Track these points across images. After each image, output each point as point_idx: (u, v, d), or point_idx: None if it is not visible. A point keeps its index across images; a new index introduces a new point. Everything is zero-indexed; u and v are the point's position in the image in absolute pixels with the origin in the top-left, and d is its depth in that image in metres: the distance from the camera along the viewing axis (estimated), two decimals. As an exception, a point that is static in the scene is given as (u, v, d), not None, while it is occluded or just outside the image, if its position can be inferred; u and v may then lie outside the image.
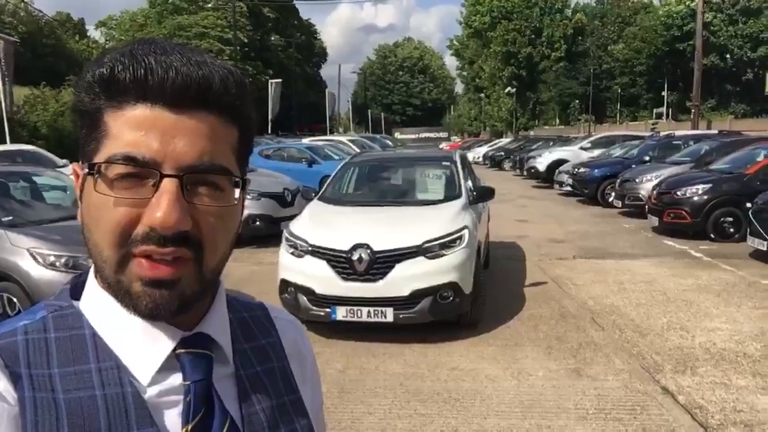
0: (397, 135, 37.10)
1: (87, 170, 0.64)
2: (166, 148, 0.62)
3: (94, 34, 61.39)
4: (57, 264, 5.25)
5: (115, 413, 0.62)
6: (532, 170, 22.83)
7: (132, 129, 0.62)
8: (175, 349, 0.67)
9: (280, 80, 35.26)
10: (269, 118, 31.90)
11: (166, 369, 0.67)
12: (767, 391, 4.42)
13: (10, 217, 5.77)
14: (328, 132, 39.37)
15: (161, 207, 0.61)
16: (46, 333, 0.66)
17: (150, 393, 0.65)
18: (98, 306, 0.68)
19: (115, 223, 0.62)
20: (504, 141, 42.85)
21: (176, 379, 0.67)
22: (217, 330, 0.71)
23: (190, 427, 0.65)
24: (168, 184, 0.61)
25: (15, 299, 5.27)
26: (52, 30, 49.52)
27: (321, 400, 0.88)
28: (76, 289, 0.71)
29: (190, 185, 0.63)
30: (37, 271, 5.21)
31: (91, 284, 0.69)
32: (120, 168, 0.62)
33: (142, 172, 0.62)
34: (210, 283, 0.68)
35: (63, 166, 12.47)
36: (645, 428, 3.90)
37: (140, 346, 0.66)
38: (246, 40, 48.37)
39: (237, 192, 0.67)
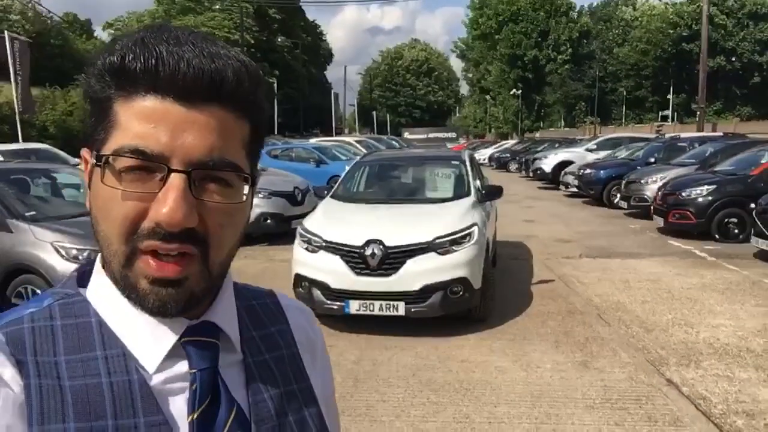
0: (407, 135, 37.31)
1: (95, 161, 0.64)
2: (174, 142, 0.61)
3: (102, 35, 61.77)
4: (80, 257, 5.41)
5: (121, 400, 0.62)
6: (538, 171, 22.97)
7: (141, 121, 0.61)
8: (181, 338, 0.67)
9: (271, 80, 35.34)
10: (276, 119, 32.08)
11: (172, 357, 0.67)
12: (769, 384, 4.56)
13: (33, 212, 5.94)
14: (334, 133, 39.57)
15: (168, 203, 0.60)
16: (53, 320, 0.66)
17: (156, 381, 0.65)
18: (105, 294, 0.67)
19: (123, 217, 0.61)
20: (509, 143, 42.98)
21: (182, 367, 0.67)
22: (224, 318, 0.71)
23: (196, 414, 0.65)
24: (175, 180, 0.61)
25: (39, 291, 5.44)
26: (59, 31, 49.86)
27: (332, 388, 0.88)
28: (83, 277, 0.71)
29: (198, 181, 0.62)
30: (60, 264, 5.38)
31: (98, 273, 0.69)
32: (128, 161, 0.61)
33: (150, 165, 0.61)
34: (217, 278, 0.68)
35: (76, 165, 12.69)
36: (650, 417, 4.04)
37: (146, 335, 0.66)
38: (252, 41, 48.66)
39: (246, 189, 0.66)
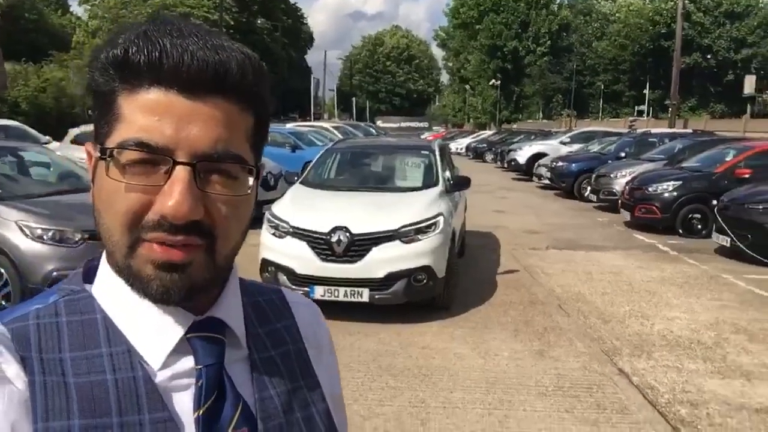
0: (380, 123, 37.39)
1: (99, 154, 0.64)
2: (179, 134, 0.61)
3: (77, 10, 60.58)
4: (44, 237, 5.40)
5: (126, 397, 0.62)
6: (513, 163, 23.19)
7: (145, 113, 0.61)
8: (186, 333, 0.67)
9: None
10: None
11: (177, 353, 0.66)
12: (715, 375, 4.74)
13: (-1, 191, 5.90)
14: (312, 118, 39.40)
15: (173, 195, 0.60)
16: (58, 317, 0.65)
17: (161, 377, 0.65)
18: (110, 290, 0.67)
19: (127, 209, 0.61)
20: (487, 133, 43.22)
21: (188, 363, 0.67)
22: (229, 314, 0.71)
23: (201, 411, 0.65)
24: (181, 172, 0.61)
25: (2, 270, 5.41)
26: (33, 4, 48.80)
27: (339, 385, 0.87)
28: (89, 273, 0.71)
29: (203, 173, 0.62)
30: (25, 244, 5.36)
31: (104, 268, 0.69)
32: (132, 154, 0.61)
33: (154, 158, 0.61)
34: (222, 271, 0.68)
35: (46, 143, 12.55)
36: (599, 404, 4.19)
37: (152, 330, 0.66)
38: (232, 22, 48.09)
39: (251, 180, 0.67)
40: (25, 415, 0.59)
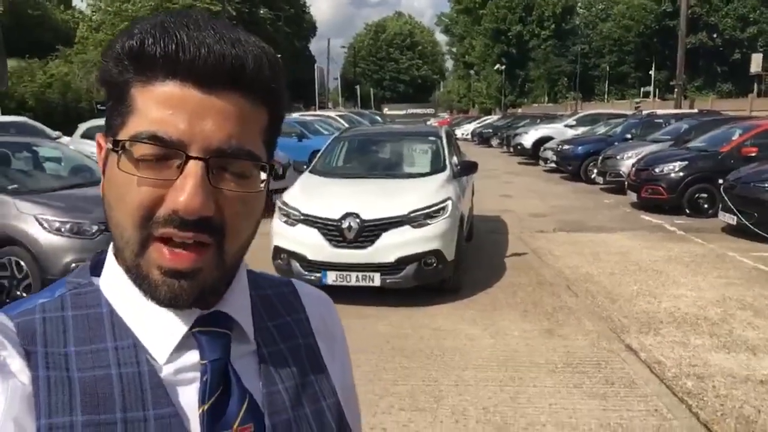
0: (386, 111, 37.39)
1: (111, 146, 0.63)
2: (193, 129, 0.60)
3: (80, 5, 60.67)
4: (62, 230, 5.54)
5: (131, 392, 0.61)
6: (518, 147, 23.23)
7: (159, 106, 0.60)
8: (192, 328, 0.66)
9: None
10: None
11: (183, 348, 0.66)
12: (720, 349, 4.84)
13: (16, 185, 6.04)
14: (317, 107, 39.43)
15: (185, 190, 0.59)
16: (64, 311, 0.65)
17: (167, 372, 0.64)
18: (116, 284, 0.67)
19: (138, 204, 0.60)
20: (492, 118, 43.16)
21: (193, 357, 0.66)
22: (236, 308, 0.70)
23: (206, 406, 0.64)
24: (193, 167, 0.60)
25: (23, 263, 5.56)
26: (36, 1, 48.90)
27: (351, 378, 0.86)
28: (96, 266, 0.70)
29: (215, 169, 0.61)
30: (43, 237, 5.50)
31: (111, 262, 0.68)
32: (145, 147, 0.60)
33: (167, 152, 0.60)
34: (231, 269, 0.67)
35: (56, 138, 12.68)
36: (607, 379, 4.30)
37: (157, 325, 0.65)
38: (234, 13, 48.03)
39: (263, 177, 0.65)
40: (29, 410, 0.58)
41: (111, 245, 0.68)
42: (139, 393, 0.62)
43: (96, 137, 0.68)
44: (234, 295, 0.70)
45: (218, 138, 0.61)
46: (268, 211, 7.48)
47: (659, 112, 19.37)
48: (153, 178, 0.60)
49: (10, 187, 5.93)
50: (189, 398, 0.64)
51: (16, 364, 0.60)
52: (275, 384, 0.70)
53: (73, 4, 60.69)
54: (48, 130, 14.33)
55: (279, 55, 0.68)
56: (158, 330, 0.65)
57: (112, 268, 0.68)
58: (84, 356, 0.62)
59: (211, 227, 0.61)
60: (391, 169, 7.33)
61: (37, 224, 5.57)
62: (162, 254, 0.61)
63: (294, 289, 0.82)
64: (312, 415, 0.72)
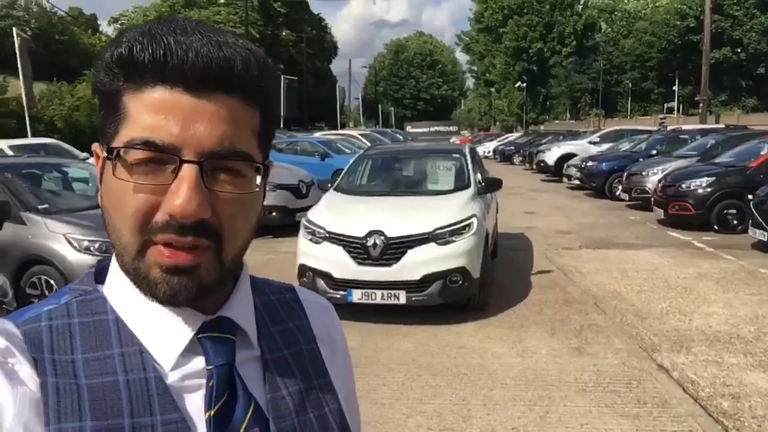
0: (409, 129, 37.48)
1: (106, 155, 0.63)
2: (185, 132, 0.60)
3: (107, 29, 62.06)
4: (91, 249, 5.62)
5: (138, 398, 0.62)
6: (541, 164, 23.11)
7: (151, 112, 0.61)
8: (197, 334, 0.67)
9: (294, 77, 35.57)
10: (281, 113, 32.29)
11: (188, 353, 0.66)
12: (756, 368, 4.72)
13: (46, 205, 6.14)
14: (339, 126, 39.71)
15: (180, 194, 0.60)
16: (70, 318, 0.65)
17: (173, 378, 0.65)
18: (121, 290, 0.67)
19: (135, 210, 0.61)
20: (514, 135, 43.06)
21: (199, 363, 0.66)
22: (240, 313, 0.71)
23: (213, 411, 0.64)
24: (187, 171, 0.60)
25: (53, 281, 5.65)
26: (65, 26, 50.13)
27: (353, 385, 0.86)
28: (101, 273, 0.71)
29: (210, 171, 0.62)
30: (73, 255, 5.58)
31: (114, 269, 0.68)
32: (139, 153, 0.60)
33: (161, 157, 0.61)
34: (230, 271, 0.67)
35: (85, 159, 12.91)
36: (639, 399, 4.21)
37: (162, 331, 0.66)
38: (257, 35, 48.78)
39: (258, 178, 0.66)
40: (38, 416, 0.58)
41: (114, 253, 0.68)
42: (146, 399, 0.62)
43: (93, 147, 0.69)
44: (238, 300, 0.71)
45: (211, 140, 0.61)
46: (292, 229, 7.55)
47: (684, 127, 19.17)
48: (148, 183, 0.61)
49: (40, 207, 6.04)
50: (195, 404, 0.65)
51: (25, 371, 0.60)
52: (279, 390, 0.71)
53: (101, 29, 62.15)
54: (76, 152, 14.60)
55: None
56: (164, 336, 0.66)
57: (115, 275, 0.68)
58: (91, 363, 0.63)
59: (209, 230, 0.62)
60: (416, 187, 7.32)
61: (66, 243, 5.66)
62: (161, 254, 0.62)
63: (296, 296, 0.83)
64: (316, 421, 0.72)
